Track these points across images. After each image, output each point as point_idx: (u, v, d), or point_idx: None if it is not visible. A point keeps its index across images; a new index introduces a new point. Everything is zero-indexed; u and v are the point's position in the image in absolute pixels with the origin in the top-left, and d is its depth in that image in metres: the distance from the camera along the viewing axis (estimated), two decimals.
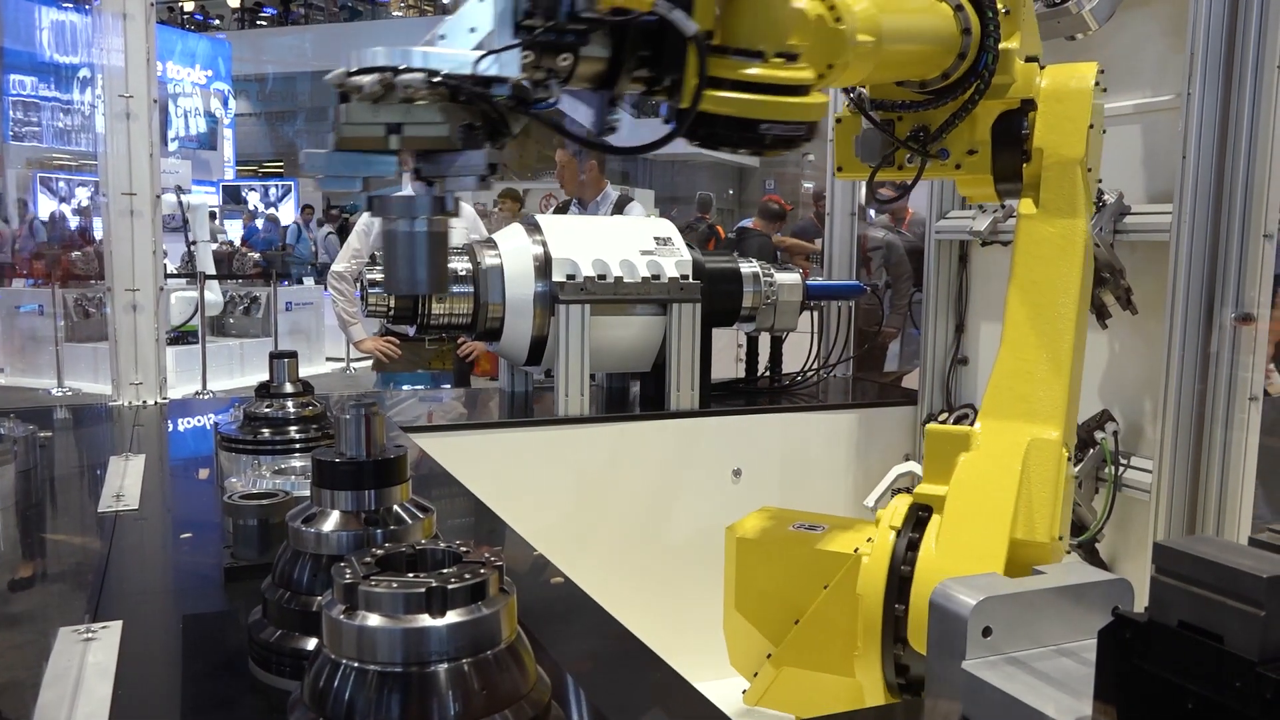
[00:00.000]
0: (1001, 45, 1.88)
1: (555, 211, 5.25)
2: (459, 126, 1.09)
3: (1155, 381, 2.65)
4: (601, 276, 2.99)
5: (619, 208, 5.18)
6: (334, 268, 5.07)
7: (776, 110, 1.34)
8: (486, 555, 0.98)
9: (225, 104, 21.46)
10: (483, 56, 1.09)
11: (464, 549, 1.00)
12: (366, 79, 1.06)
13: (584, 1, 1.12)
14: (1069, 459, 1.93)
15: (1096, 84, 1.99)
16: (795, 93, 1.37)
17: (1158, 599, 0.74)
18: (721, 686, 1.64)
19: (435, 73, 1.07)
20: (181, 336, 9.89)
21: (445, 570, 0.95)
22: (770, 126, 1.35)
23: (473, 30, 1.12)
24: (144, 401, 3.15)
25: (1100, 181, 2.12)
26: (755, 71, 1.31)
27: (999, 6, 1.89)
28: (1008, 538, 1.78)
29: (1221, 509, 2.52)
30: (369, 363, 5.66)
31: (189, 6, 25.06)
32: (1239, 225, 2.44)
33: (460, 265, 2.96)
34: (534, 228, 3.08)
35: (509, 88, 1.12)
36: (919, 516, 1.89)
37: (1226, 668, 0.67)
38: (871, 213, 6.41)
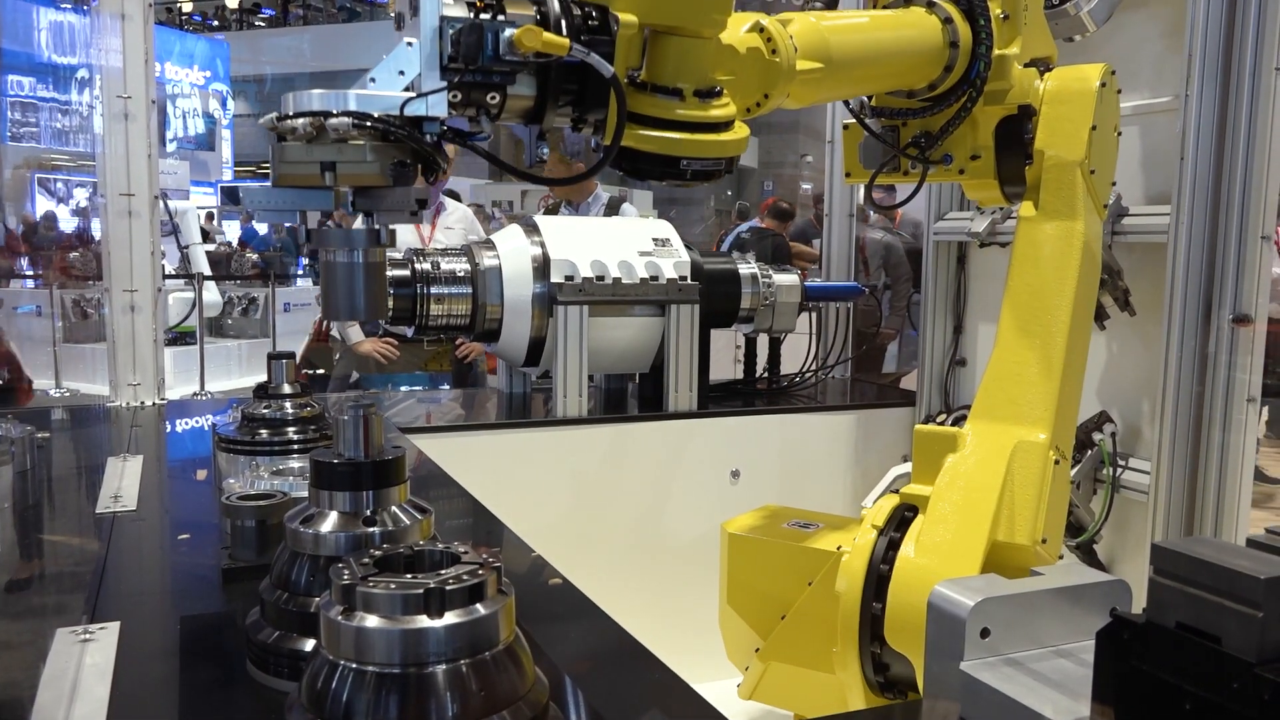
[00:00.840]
0: (997, 52, 1.87)
1: (545, 213, 5.25)
2: (390, 164, 1.14)
3: (1153, 383, 2.65)
4: (600, 277, 2.99)
5: (612, 209, 5.17)
6: None
7: (695, 148, 1.38)
8: (485, 556, 0.98)
9: (224, 105, 21.44)
10: (410, 100, 1.14)
11: (462, 550, 1.00)
12: (299, 121, 1.11)
13: (505, 45, 1.17)
14: (1063, 462, 1.93)
15: (1104, 85, 1.99)
16: (716, 129, 1.40)
17: (1156, 600, 0.74)
18: (719, 687, 1.64)
19: (366, 115, 1.12)
20: (179, 337, 9.88)
21: (443, 571, 0.95)
22: (690, 163, 1.38)
23: (401, 73, 1.18)
24: (142, 402, 3.15)
25: (1115, 184, 2.11)
26: (674, 110, 1.35)
27: (996, 11, 1.88)
28: (986, 539, 1.77)
29: (1219, 510, 2.52)
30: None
31: (188, 7, 25.05)
32: (1237, 227, 2.45)
33: (458, 266, 2.96)
34: (532, 229, 3.08)
35: (438, 125, 1.18)
36: (904, 516, 1.89)
37: (1224, 669, 0.67)
38: (870, 213, 6.42)
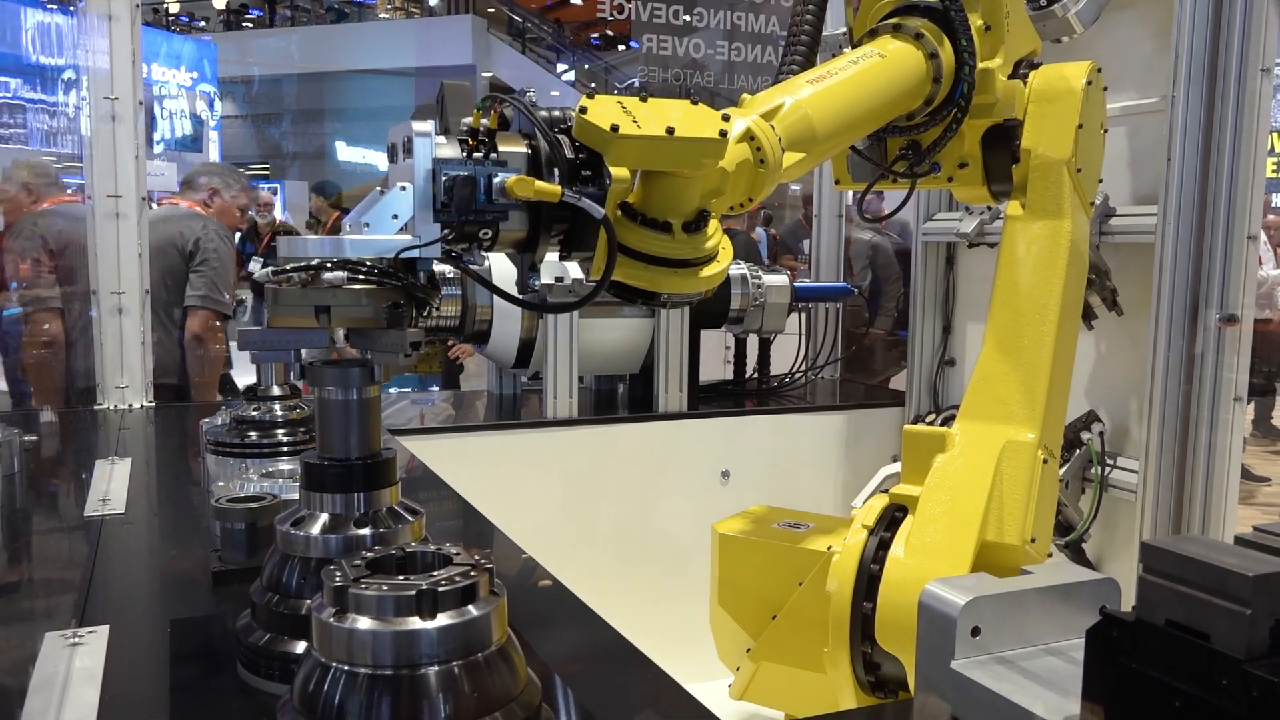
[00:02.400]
0: (980, 66, 1.86)
1: None
2: (384, 307, 1.17)
3: (1141, 382, 2.67)
4: (588, 277, 2.99)
5: None
6: None
7: (676, 285, 1.41)
8: (477, 557, 0.98)
9: (211, 106, 21.35)
10: (406, 248, 1.18)
11: (455, 551, 1.00)
12: (296, 275, 1.14)
13: (498, 192, 1.21)
14: (1051, 461, 1.93)
15: (1090, 83, 1.99)
16: (699, 263, 1.44)
17: (1145, 598, 0.74)
18: (711, 688, 1.65)
19: (360, 263, 1.16)
20: None
21: (436, 573, 0.95)
22: (670, 297, 1.43)
23: (395, 217, 1.20)
24: (130, 405, 3.14)
25: (1101, 181, 2.12)
26: (662, 247, 1.38)
27: (979, 23, 1.86)
28: (976, 539, 1.78)
29: (1207, 508, 2.53)
30: None
31: (174, 8, 24.94)
32: (1223, 227, 2.46)
33: (448, 268, 2.96)
34: None
35: (430, 265, 1.22)
36: (894, 516, 1.90)
37: (1213, 666, 0.68)
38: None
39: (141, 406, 3.14)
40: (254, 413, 2.02)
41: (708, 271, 1.45)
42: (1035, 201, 1.98)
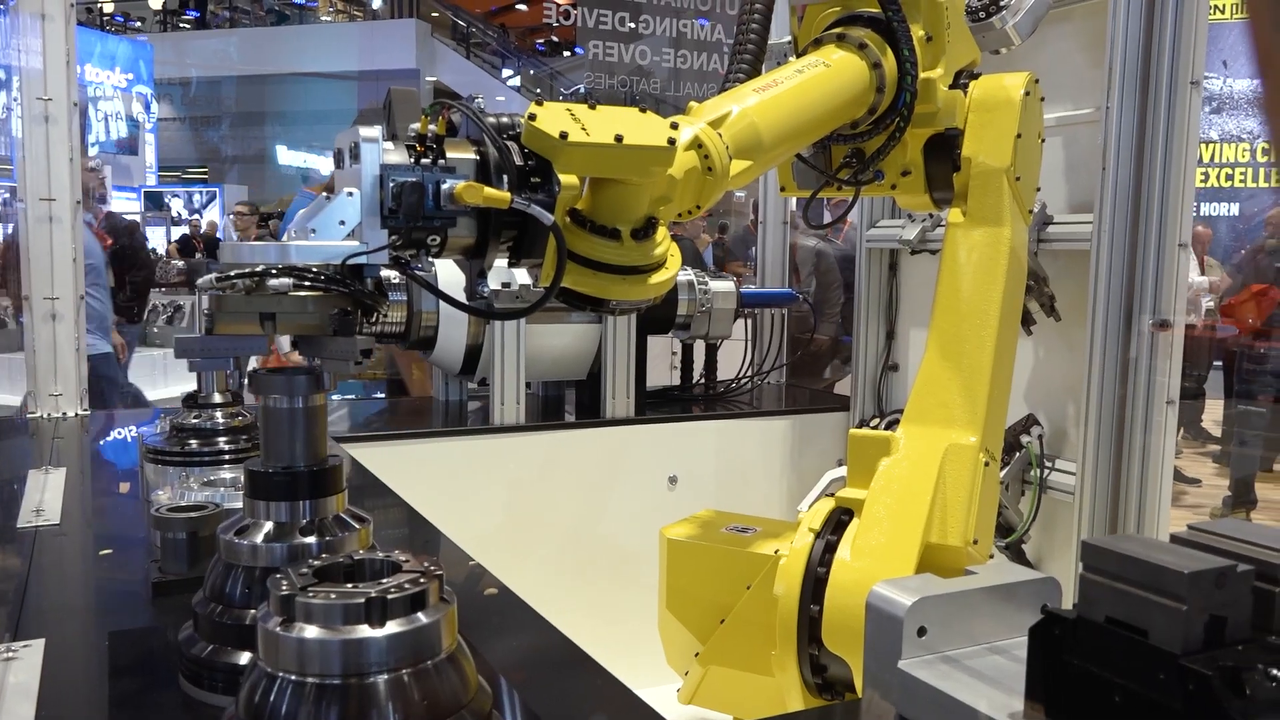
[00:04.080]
0: (922, 75, 1.89)
1: None
2: (331, 313, 1.15)
3: (1078, 386, 2.73)
4: (537, 284, 2.98)
5: None
6: None
7: (625, 292, 1.42)
8: (426, 564, 0.97)
9: (147, 108, 20.92)
10: (353, 255, 1.17)
11: (404, 559, 0.99)
12: (240, 283, 1.12)
13: (446, 198, 1.20)
14: (992, 464, 1.97)
15: (1028, 93, 2.03)
16: (650, 270, 1.45)
17: (1085, 596, 0.76)
18: (660, 692, 1.65)
19: (306, 270, 1.14)
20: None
21: (384, 580, 0.94)
22: (619, 303, 1.43)
23: (342, 223, 1.19)
24: (64, 413, 3.06)
25: (1039, 190, 2.16)
26: (611, 254, 1.38)
27: (920, 33, 1.90)
28: (920, 541, 1.80)
29: (1142, 508, 2.59)
30: None
31: (109, 8, 24.41)
32: (1156, 234, 2.53)
33: (392, 273, 2.93)
34: None
35: (378, 270, 1.21)
36: (839, 519, 1.92)
37: (1151, 661, 0.70)
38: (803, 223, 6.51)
39: (76, 415, 3.07)
40: (194, 420, 1.98)
41: (656, 278, 1.46)
42: (976, 209, 2.02)
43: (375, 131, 1.20)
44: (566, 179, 1.28)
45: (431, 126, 1.24)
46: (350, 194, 1.19)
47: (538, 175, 1.28)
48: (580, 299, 1.42)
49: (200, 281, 1.19)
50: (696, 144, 1.51)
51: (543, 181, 1.28)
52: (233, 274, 1.13)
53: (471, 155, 1.27)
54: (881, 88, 1.86)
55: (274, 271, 1.13)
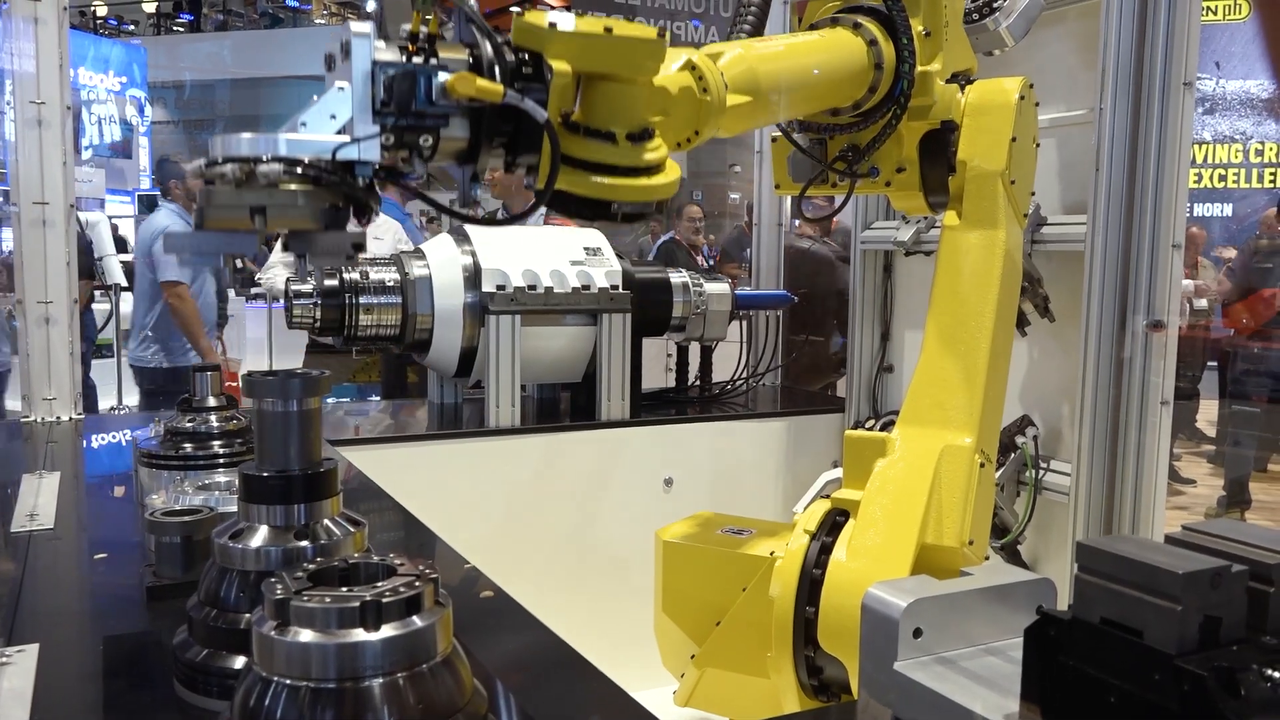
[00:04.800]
0: (920, 69, 1.91)
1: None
2: (322, 208, 1.13)
3: (1072, 387, 2.73)
4: (531, 287, 2.98)
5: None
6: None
7: (625, 193, 1.40)
8: (421, 568, 0.97)
9: (141, 111, 20.88)
10: (341, 145, 1.14)
11: (399, 562, 0.99)
12: (229, 168, 1.09)
13: (438, 91, 1.18)
14: (988, 465, 1.97)
15: (1023, 97, 2.04)
16: (648, 172, 1.43)
17: (1081, 596, 0.76)
18: (656, 695, 1.65)
19: (297, 161, 1.11)
20: (96, 350, 9.58)
21: (379, 584, 0.94)
22: (621, 206, 1.41)
23: (333, 117, 1.17)
24: (58, 417, 3.05)
25: (1034, 194, 2.18)
26: (606, 155, 1.37)
27: (919, 29, 1.92)
28: (916, 542, 1.81)
29: (1137, 509, 2.60)
30: None
31: (102, 11, 24.37)
32: (1149, 235, 2.53)
33: (388, 276, 2.93)
34: (463, 238, 3.06)
35: (370, 169, 1.17)
36: (835, 521, 1.92)
37: (1146, 661, 0.70)
38: (796, 222, 6.51)
39: (70, 419, 3.06)
40: (188, 424, 1.97)
41: (658, 179, 1.44)
42: (971, 212, 2.02)
43: (366, 27, 1.17)
44: (558, 65, 1.27)
45: (423, 27, 1.20)
46: (341, 88, 1.16)
47: (530, 74, 1.26)
48: (580, 204, 1.39)
49: (189, 166, 1.16)
50: (690, 66, 1.52)
51: (535, 79, 1.27)
52: (222, 156, 1.09)
53: (464, 56, 1.25)
54: (880, 65, 1.88)
55: (264, 158, 1.10)
